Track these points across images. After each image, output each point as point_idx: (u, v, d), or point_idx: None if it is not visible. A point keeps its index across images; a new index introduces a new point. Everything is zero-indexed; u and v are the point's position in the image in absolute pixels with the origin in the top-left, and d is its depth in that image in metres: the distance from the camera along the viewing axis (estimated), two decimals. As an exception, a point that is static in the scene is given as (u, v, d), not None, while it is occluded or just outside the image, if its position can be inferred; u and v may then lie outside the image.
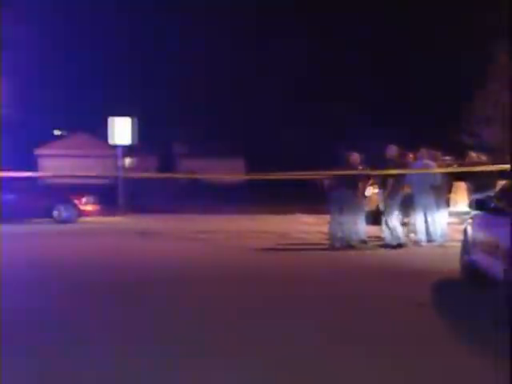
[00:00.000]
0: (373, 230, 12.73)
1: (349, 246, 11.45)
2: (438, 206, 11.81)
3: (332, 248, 11.45)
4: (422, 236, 11.76)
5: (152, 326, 5.89)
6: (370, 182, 12.63)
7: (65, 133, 46.81)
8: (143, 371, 4.56)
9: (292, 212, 20.67)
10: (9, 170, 17.53)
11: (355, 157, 11.83)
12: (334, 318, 6.10)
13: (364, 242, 11.86)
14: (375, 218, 13.19)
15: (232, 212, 20.92)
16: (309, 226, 16.29)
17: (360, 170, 11.79)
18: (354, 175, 11.55)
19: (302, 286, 7.93)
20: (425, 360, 4.76)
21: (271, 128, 39.12)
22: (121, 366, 4.66)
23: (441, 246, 11.43)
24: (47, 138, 43.84)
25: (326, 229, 12.27)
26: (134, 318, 6.21)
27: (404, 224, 12.34)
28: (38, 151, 42.01)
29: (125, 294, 7.35)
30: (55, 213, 17.68)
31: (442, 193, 11.99)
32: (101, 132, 29.35)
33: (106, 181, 29.00)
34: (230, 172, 37.01)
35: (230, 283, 8.08)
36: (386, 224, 11.54)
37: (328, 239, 11.83)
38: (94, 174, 29.98)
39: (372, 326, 5.82)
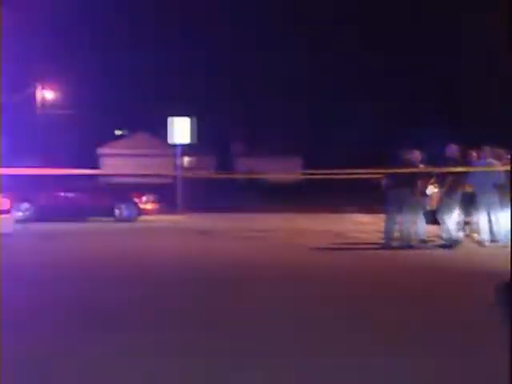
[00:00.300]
0: (434, 229, 12.48)
1: (408, 246, 11.27)
2: (502, 206, 11.50)
3: (388, 247, 11.29)
4: (485, 236, 11.50)
5: (222, 325, 5.92)
6: (432, 180, 12.39)
7: (125, 132, 47.76)
8: (223, 372, 4.57)
9: (348, 211, 20.51)
10: (72, 168, 18.04)
11: (416, 155, 11.64)
12: (403, 318, 6.00)
13: (424, 241, 11.66)
14: (436, 217, 12.95)
15: (289, 211, 20.90)
16: (365, 225, 16.12)
17: (420, 169, 11.59)
18: (413, 173, 11.36)
19: (362, 286, 7.83)
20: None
21: (329, 127, 38.94)
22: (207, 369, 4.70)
23: (504, 246, 11.11)
24: (109, 138, 44.82)
25: (382, 228, 12.11)
26: (206, 317, 6.26)
27: (466, 223, 12.07)
28: (100, 151, 43.01)
29: (195, 292, 7.42)
30: (116, 211, 18.02)
31: (505, 192, 11.66)
32: (160, 132, 29.81)
33: (166, 180, 29.46)
34: (287, 171, 36.98)
35: (288, 283, 8.06)
36: (443, 223, 11.37)
37: (383, 238, 11.67)
38: (153, 173, 30.48)
39: (445, 327, 5.69)
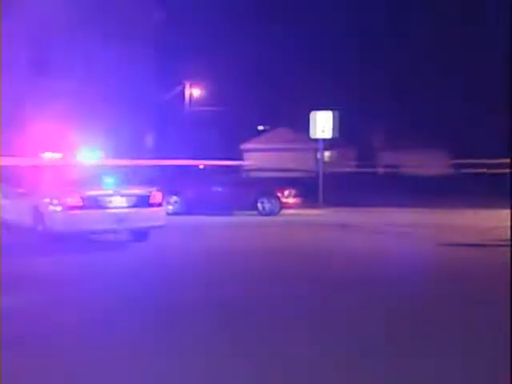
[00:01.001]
0: None
1: None
2: None
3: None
4: None
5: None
6: None
7: (267, 128, 48.56)
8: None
9: (497, 207, 19.44)
10: (217, 163, 18.66)
11: None
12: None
13: None
14: None
15: (432, 205, 20.19)
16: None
17: None
18: None
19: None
20: None
21: (476, 118, 37.15)
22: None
23: None
24: (252, 133, 45.80)
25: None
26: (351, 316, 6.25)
27: None
28: (243, 146, 44.13)
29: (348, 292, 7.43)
30: (259, 205, 18.35)
31: None
32: (302, 126, 29.97)
33: (307, 174, 29.60)
34: (431, 164, 35.79)
35: (436, 282, 7.81)
36: None
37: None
38: (295, 168, 30.76)
39: None
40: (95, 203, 10.99)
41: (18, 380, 4.51)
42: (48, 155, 12.10)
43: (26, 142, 18.02)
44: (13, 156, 12.64)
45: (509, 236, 12.15)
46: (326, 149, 29.70)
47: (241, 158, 40.00)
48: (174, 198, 18.21)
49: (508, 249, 10.52)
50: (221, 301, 6.82)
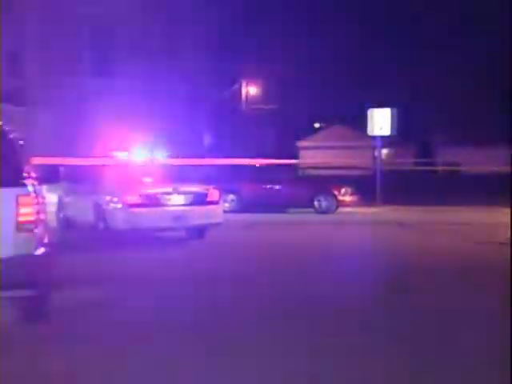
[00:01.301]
0: None
1: None
2: None
3: None
4: None
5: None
6: None
7: (323, 125, 48.35)
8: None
9: None
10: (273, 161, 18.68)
11: None
12: None
13: None
14: None
15: (493, 204, 19.67)
16: None
17: None
18: None
19: None
20: None
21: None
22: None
23: None
24: (308, 131, 45.71)
25: None
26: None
27: None
28: (299, 144, 44.09)
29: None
30: (316, 203, 18.30)
31: None
32: (358, 123, 29.68)
33: (364, 172, 29.34)
34: (493, 162, 34.86)
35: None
36: None
37: None
38: (351, 165, 30.53)
39: None
40: (154, 201, 11.18)
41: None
42: (117, 154, 12.41)
43: (91, 142, 18.47)
44: (76, 155, 13.00)
45: None
46: (383, 146, 29.37)
47: (297, 156, 39.92)
48: (231, 196, 18.33)
49: None
50: (285, 296, 6.88)
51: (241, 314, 6.23)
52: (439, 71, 40.22)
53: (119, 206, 11.10)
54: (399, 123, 21.86)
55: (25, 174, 5.60)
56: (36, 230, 5.53)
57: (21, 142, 6.14)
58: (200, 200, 11.55)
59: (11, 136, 5.84)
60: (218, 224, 11.79)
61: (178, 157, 15.35)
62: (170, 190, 11.42)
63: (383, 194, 21.01)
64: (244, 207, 18.15)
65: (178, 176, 12.26)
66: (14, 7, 20.17)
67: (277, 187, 18.77)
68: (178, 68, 28.55)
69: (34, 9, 21.53)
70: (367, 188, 20.84)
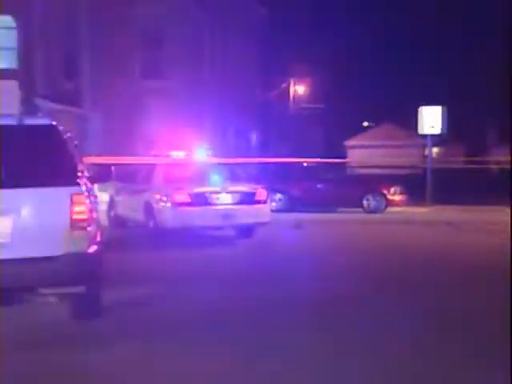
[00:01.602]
0: None
1: None
2: None
3: None
4: None
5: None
6: None
7: (372, 124, 47.88)
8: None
9: None
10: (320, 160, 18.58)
11: None
12: None
13: None
14: None
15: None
16: None
17: None
18: None
19: None
20: None
21: None
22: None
23: None
24: (357, 130, 45.35)
25: None
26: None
27: None
28: (347, 142, 43.76)
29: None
30: (365, 202, 18.11)
31: None
32: (407, 122, 29.29)
33: (413, 171, 28.89)
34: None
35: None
36: None
37: None
38: (401, 164, 30.11)
39: None
40: (203, 200, 11.27)
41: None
42: (174, 154, 12.55)
43: (143, 141, 18.72)
44: (128, 155, 13.17)
45: None
46: (434, 145, 28.86)
47: (345, 155, 39.64)
48: (278, 196, 18.30)
49: None
50: (337, 295, 6.87)
51: (294, 313, 6.24)
52: (490, 70, 39.34)
53: (168, 204, 11.22)
54: (450, 122, 21.48)
55: (79, 173, 5.71)
56: (89, 229, 5.62)
57: (75, 142, 6.27)
58: (248, 199, 11.59)
59: (66, 136, 5.96)
60: (265, 223, 11.81)
61: (226, 156, 15.42)
62: (218, 189, 11.49)
63: (433, 193, 20.66)
64: (291, 206, 18.09)
65: (227, 175, 12.31)
66: (67, 8, 20.62)
67: (325, 186, 18.64)
68: (226, 68, 28.70)
69: (86, 10, 21.95)
70: (417, 187, 20.52)
